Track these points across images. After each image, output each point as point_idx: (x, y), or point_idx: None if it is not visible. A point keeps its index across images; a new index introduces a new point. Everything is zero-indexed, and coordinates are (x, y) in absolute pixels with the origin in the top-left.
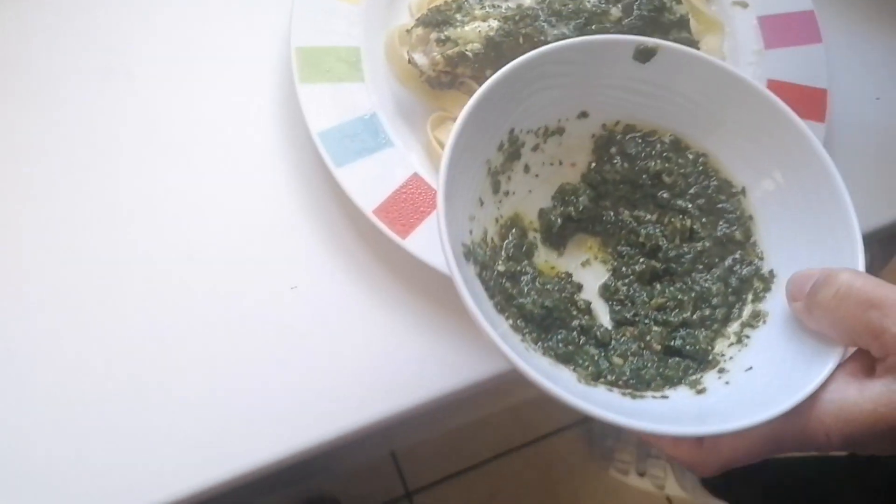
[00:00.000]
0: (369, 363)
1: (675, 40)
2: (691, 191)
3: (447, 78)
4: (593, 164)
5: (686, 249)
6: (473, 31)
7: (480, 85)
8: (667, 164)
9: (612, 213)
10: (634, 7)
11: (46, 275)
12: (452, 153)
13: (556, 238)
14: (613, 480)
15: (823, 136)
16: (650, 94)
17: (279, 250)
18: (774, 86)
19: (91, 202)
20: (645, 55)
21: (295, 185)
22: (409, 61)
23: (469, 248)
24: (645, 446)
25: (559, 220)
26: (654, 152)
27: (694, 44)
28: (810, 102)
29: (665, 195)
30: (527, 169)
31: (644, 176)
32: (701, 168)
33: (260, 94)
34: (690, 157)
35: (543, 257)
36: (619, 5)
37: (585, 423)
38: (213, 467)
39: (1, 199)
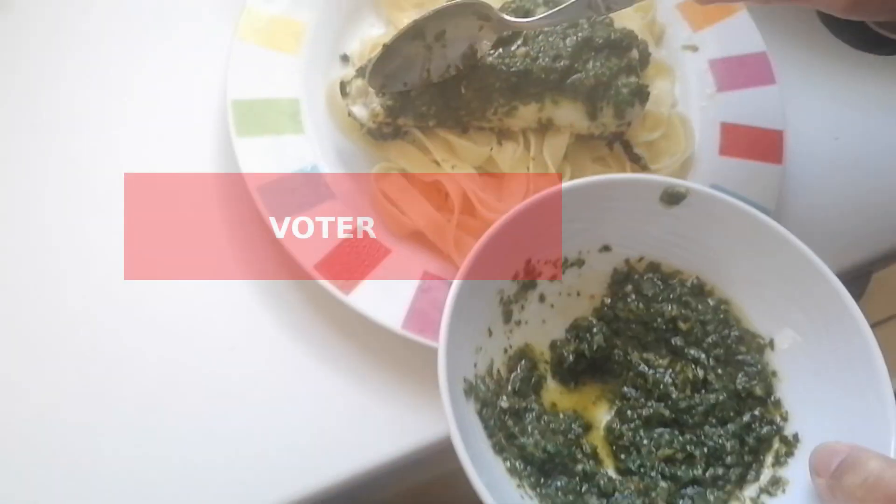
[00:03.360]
0: (309, 426)
1: (623, 85)
2: (709, 339)
3: (389, 129)
4: (608, 300)
5: (698, 400)
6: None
7: (425, 133)
8: (684, 311)
9: (621, 353)
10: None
11: None
12: (461, 287)
13: (567, 373)
14: None
15: (781, 178)
16: (677, 234)
17: (215, 307)
18: (728, 129)
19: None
20: (673, 198)
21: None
22: (349, 115)
23: (471, 385)
24: None
25: (571, 357)
26: (672, 295)
27: (644, 88)
28: (767, 144)
29: (679, 342)
30: (542, 298)
31: (659, 319)
32: (722, 316)
33: (197, 149)
34: (711, 303)
35: (552, 392)
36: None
37: None
38: None
39: None
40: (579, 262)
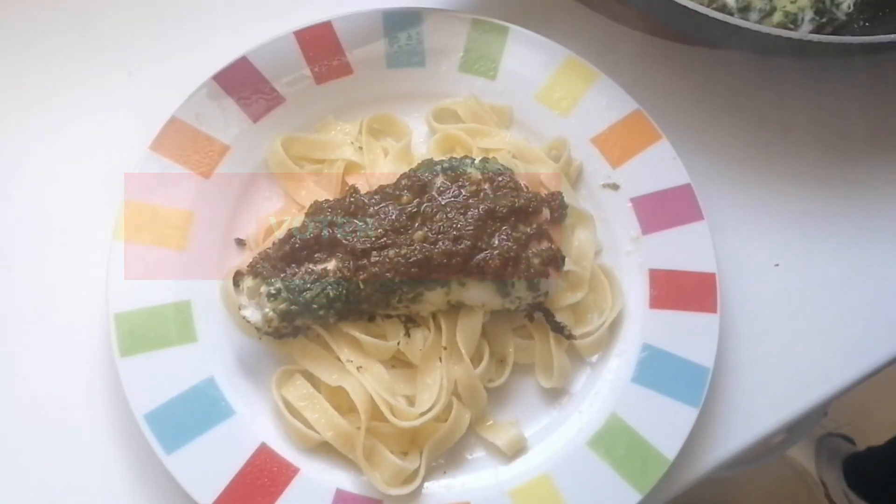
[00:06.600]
0: None
1: (534, 255)
2: None
3: (288, 329)
4: None
5: None
6: (307, 281)
7: (329, 329)
8: None
9: None
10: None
11: None
12: None
13: None
14: None
15: (717, 328)
16: None
17: None
18: (658, 276)
19: None
20: None
21: (127, 474)
22: (243, 318)
23: None
24: None
25: None
26: None
27: (557, 254)
28: (699, 290)
29: None
30: None
31: None
32: None
33: (80, 370)
34: None
35: None
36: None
37: None
38: None
39: None
40: None
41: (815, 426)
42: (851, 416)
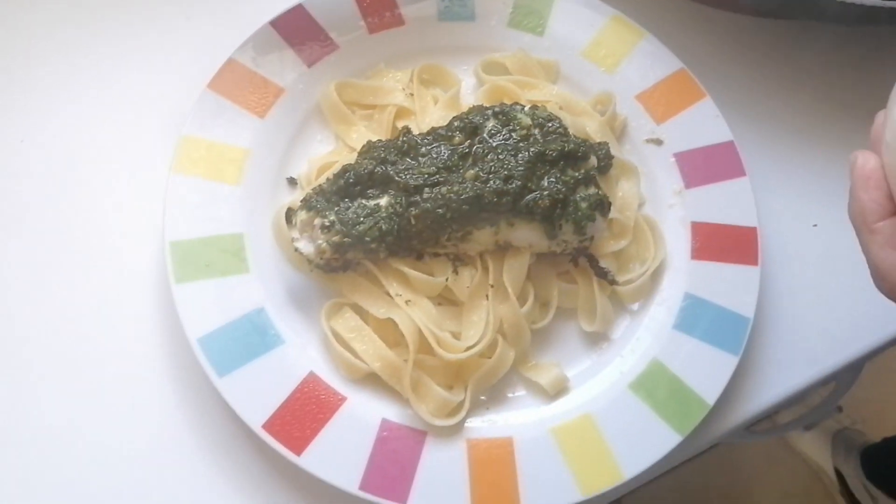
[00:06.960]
0: None
1: (582, 199)
2: None
3: (339, 262)
4: None
5: None
6: (361, 215)
7: (378, 265)
8: None
9: None
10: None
11: None
12: None
13: None
14: None
15: (758, 280)
16: None
17: (163, 473)
18: (699, 228)
19: None
20: None
21: (179, 396)
22: (295, 250)
23: None
24: None
25: None
26: None
27: (604, 199)
28: (741, 243)
29: None
30: None
31: None
32: None
33: (136, 296)
34: None
35: None
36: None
37: None
38: None
39: None
40: None
41: (830, 420)
42: (866, 413)
